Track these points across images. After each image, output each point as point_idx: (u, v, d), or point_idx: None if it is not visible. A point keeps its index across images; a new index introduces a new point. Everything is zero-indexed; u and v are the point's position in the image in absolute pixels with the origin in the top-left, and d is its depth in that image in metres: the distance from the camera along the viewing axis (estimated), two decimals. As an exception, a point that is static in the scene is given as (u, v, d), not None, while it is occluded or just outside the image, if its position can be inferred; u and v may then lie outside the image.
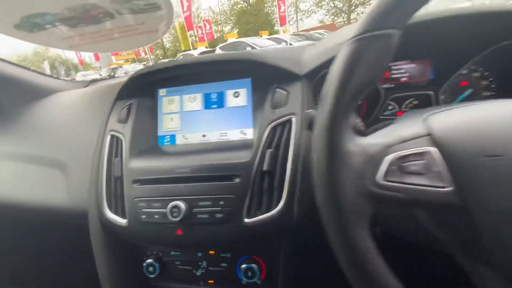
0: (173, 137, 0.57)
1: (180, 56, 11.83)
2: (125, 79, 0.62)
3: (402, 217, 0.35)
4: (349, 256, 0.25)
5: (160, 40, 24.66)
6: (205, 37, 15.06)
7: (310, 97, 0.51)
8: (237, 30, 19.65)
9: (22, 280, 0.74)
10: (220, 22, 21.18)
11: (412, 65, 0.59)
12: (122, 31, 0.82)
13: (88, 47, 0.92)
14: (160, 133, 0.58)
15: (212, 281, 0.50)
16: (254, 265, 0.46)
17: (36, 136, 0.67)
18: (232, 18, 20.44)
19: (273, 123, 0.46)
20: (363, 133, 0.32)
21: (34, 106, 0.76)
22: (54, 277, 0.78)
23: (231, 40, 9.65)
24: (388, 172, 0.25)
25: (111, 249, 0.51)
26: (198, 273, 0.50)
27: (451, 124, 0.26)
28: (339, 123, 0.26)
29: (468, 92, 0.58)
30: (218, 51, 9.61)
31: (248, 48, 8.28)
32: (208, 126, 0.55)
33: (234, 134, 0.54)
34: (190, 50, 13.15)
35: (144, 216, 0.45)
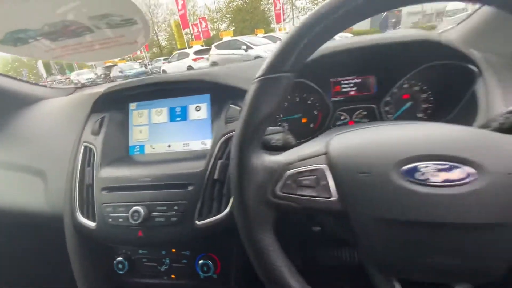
0: (142, 147, 0.63)
1: (175, 54, 11.81)
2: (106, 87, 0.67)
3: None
4: (254, 254, 0.31)
5: (156, 38, 24.52)
6: (201, 35, 15.02)
7: None
8: (233, 28, 19.58)
9: (5, 278, 0.80)
10: (216, 20, 21.08)
11: (359, 80, 0.65)
12: (103, 43, 0.88)
13: (71, 57, 0.97)
14: (131, 143, 0.64)
15: (174, 276, 0.56)
16: (209, 262, 0.52)
17: (19, 145, 0.72)
18: (228, 15, 20.37)
19: (225, 136, 0.52)
20: (285, 148, 0.38)
21: (18, 115, 0.81)
22: (35, 276, 0.84)
23: (226, 38, 9.64)
24: (285, 185, 0.31)
25: (84, 249, 0.57)
26: (163, 269, 0.56)
27: (342, 144, 0.32)
28: (247, 146, 0.32)
29: (408, 104, 0.65)
30: (213, 49, 9.60)
31: (244, 47, 8.29)
32: (173, 137, 0.62)
33: (196, 145, 0.60)
34: (185, 48, 13.12)
35: (110, 220, 0.51)
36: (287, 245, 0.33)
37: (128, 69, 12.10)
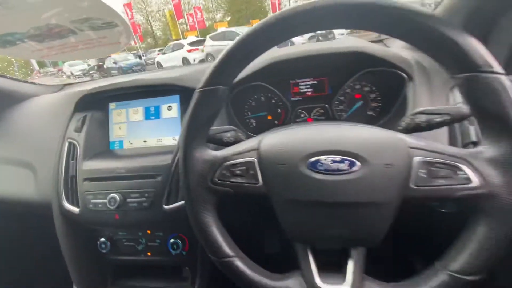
0: (121, 142, 0.71)
1: (170, 45, 11.66)
2: (96, 85, 0.73)
3: None
4: (197, 230, 0.40)
5: (150, 29, 24.06)
6: (196, 26, 14.78)
7: (223, 111, 0.64)
8: (229, 17, 19.23)
9: (3, 258, 0.89)
10: (211, 9, 20.67)
11: (315, 82, 0.72)
12: (86, 43, 0.94)
13: (57, 57, 1.03)
14: (111, 139, 0.71)
15: (150, 253, 0.65)
16: (179, 241, 0.61)
17: (10, 140, 0.80)
18: (223, 5, 19.97)
19: None
20: (235, 144, 0.45)
21: (10, 112, 0.88)
22: (29, 258, 0.93)
23: (221, 29, 9.53)
24: (221, 174, 0.39)
25: (70, 232, 0.66)
26: (140, 248, 0.65)
27: (269, 142, 0.40)
28: (190, 143, 0.39)
29: (359, 103, 0.73)
30: (208, 40, 9.50)
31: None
32: (148, 133, 0.69)
33: (168, 140, 0.68)
34: (180, 39, 12.94)
35: (91, 206, 0.59)
36: (264, 231, 0.41)
37: (122, 60, 11.95)
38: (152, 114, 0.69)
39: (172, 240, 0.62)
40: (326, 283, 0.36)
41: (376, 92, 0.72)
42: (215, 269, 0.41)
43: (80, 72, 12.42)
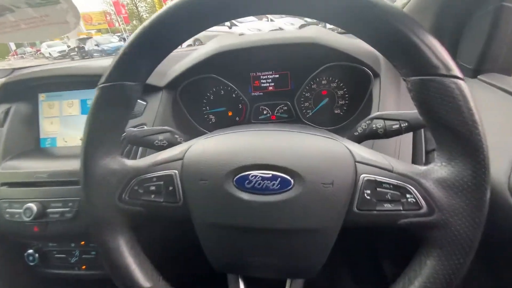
0: (54, 139, 0.61)
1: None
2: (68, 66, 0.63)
3: None
4: (104, 259, 0.33)
5: (136, 10, 22.85)
6: (184, 8, 14.12)
7: (168, 106, 0.56)
8: None
9: None
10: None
11: (276, 76, 0.65)
12: (28, 22, 0.81)
13: (1, 38, 0.90)
14: (42, 135, 0.62)
15: (85, 267, 0.58)
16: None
17: None
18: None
19: (124, 133, 0.52)
20: (165, 148, 0.38)
21: None
22: None
23: (209, 13, 9.13)
24: (132, 191, 0.32)
25: None
26: (73, 261, 0.58)
27: (196, 151, 0.32)
28: (92, 153, 0.32)
29: (324, 101, 0.66)
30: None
31: (227, 23, 7.91)
32: (84, 130, 0.60)
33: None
34: (167, 22, 12.32)
35: (7, 216, 0.51)
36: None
37: (105, 42, 11.29)
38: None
39: (108, 253, 0.54)
40: None
41: (343, 88, 0.65)
42: None
43: (59, 54, 11.72)
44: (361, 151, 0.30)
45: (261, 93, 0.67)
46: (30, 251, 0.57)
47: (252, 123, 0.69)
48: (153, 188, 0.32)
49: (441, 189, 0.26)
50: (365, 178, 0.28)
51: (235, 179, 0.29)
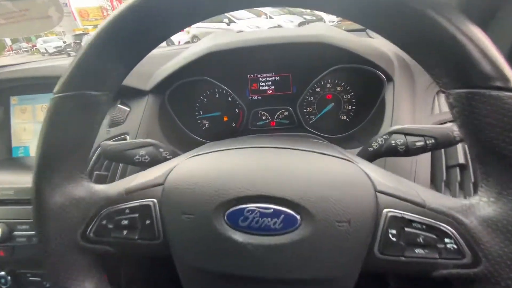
0: (27, 148, 0.55)
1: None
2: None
3: None
4: None
5: (133, 5, 22.42)
6: (182, 4, 13.95)
7: (154, 112, 0.50)
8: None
9: None
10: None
11: (277, 78, 0.59)
12: (7, 17, 0.76)
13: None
14: (14, 144, 0.55)
15: None
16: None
17: None
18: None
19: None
20: (152, 165, 0.31)
21: None
22: None
23: (207, 9, 9.00)
24: (99, 226, 0.26)
25: None
26: (48, 285, 0.52)
27: (181, 174, 0.26)
28: (47, 180, 0.25)
29: (330, 106, 0.60)
30: (193, 21, 8.94)
31: (226, 20, 7.80)
32: (60, 138, 0.54)
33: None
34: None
35: None
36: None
37: (101, 38, 11.07)
38: (65, 113, 0.53)
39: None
40: None
41: (350, 92, 0.59)
42: None
43: (55, 50, 11.52)
44: (382, 176, 0.24)
45: (260, 97, 0.61)
46: (2, 273, 0.51)
47: (250, 129, 0.62)
48: (125, 222, 0.25)
49: (490, 232, 0.20)
50: (389, 214, 0.22)
51: (226, 214, 0.23)
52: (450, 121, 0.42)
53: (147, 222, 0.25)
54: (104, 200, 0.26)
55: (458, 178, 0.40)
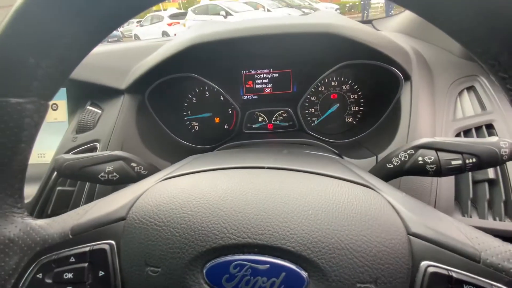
0: None
1: (148, 16, 10.69)
2: None
3: None
4: None
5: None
6: (178, -4, 13.65)
7: (131, 114, 0.42)
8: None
9: None
10: (195, -22, 19.16)
11: (275, 75, 0.51)
12: None
13: None
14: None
15: None
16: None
17: None
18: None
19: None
20: (123, 182, 0.25)
21: None
22: None
23: (204, 2, 8.82)
24: (33, 281, 0.19)
25: None
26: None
27: (148, 206, 0.19)
28: None
29: (334, 107, 0.53)
30: (190, 14, 8.77)
31: (223, 13, 7.62)
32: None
33: (51, 156, 0.45)
34: (160, 10, 11.90)
35: None
36: None
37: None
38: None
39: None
40: None
41: (358, 92, 0.52)
42: None
43: None
44: (412, 209, 0.18)
45: (256, 97, 0.54)
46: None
47: (244, 132, 0.55)
48: (69, 276, 0.19)
49: None
50: (430, 270, 0.16)
51: (205, 269, 0.17)
52: (476, 128, 0.35)
53: (101, 274, 0.19)
54: (41, 244, 0.20)
55: (487, 195, 0.34)
